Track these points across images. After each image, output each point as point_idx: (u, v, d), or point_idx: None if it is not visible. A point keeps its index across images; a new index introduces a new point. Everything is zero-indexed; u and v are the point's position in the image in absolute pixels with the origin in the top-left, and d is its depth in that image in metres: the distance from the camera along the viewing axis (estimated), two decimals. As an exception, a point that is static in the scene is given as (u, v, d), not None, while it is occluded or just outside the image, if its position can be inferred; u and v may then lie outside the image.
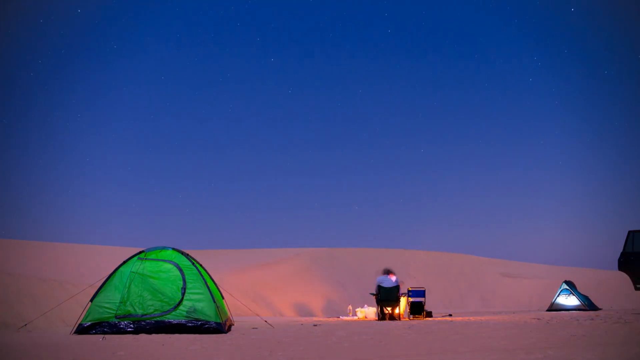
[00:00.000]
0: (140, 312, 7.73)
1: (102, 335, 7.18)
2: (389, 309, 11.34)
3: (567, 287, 16.38)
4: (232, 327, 8.63)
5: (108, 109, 32.35)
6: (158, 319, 7.66)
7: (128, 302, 7.78)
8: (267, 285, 21.44)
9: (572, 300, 16.16)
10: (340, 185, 38.95)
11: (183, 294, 7.90)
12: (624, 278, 28.37)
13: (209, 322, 7.70)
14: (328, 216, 38.80)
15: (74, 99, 31.27)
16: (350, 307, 14.14)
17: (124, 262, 8.27)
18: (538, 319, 10.09)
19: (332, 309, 20.67)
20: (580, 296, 16.28)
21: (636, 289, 11.80)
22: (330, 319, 12.64)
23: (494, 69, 37.13)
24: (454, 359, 4.51)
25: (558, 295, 16.45)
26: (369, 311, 12.71)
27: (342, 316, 13.97)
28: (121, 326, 7.58)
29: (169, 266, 8.20)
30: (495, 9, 33.49)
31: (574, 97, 34.17)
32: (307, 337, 6.81)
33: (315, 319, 13.40)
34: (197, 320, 7.71)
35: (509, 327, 7.91)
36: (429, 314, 12.38)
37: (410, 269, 28.15)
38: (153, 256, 8.32)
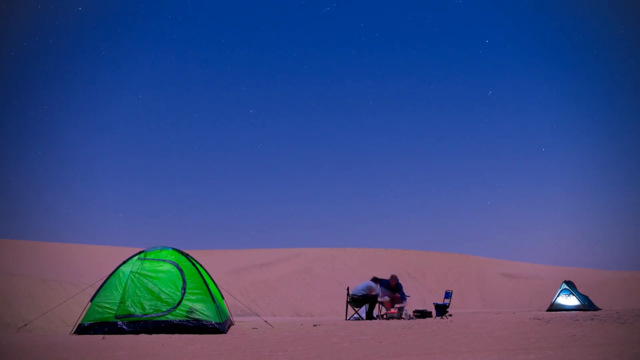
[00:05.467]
0: (140, 312, 7.72)
1: (102, 336, 7.18)
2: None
3: (567, 287, 16.38)
4: (232, 327, 8.63)
5: (109, 111, 32.36)
6: (158, 319, 7.65)
7: (128, 302, 7.77)
8: (267, 285, 21.44)
9: (572, 300, 16.15)
10: (341, 186, 38.94)
11: (183, 294, 7.89)
12: (624, 278, 28.36)
13: (209, 322, 7.70)
14: (328, 216, 38.79)
15: (75, 100, 31.28)
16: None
17: (124, 262, 8.28)
18: (538, 319, 10.08)
19: (332, 309, 20.67)
20: (580, 296, 16.28)
21: None
22: (330, 319, 12.62)
23: (495, 70, 37.11)
24: (454, 359, 4.50)
25: (558, 295, 16.44)
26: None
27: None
28: (121, 326, 7.57)
29: (169, 266, 8.19)
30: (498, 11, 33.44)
31: (575, 98, 34.15)
32: (307, 337, 6.80)
33: (315, 319, 13.40)
34: (197, 320, 7.70)
35: (509, 327, 7.91)
36: (429, 314, 12.37)
37: (410, 269, 28.14)
38: (153, 256, 8.32)
